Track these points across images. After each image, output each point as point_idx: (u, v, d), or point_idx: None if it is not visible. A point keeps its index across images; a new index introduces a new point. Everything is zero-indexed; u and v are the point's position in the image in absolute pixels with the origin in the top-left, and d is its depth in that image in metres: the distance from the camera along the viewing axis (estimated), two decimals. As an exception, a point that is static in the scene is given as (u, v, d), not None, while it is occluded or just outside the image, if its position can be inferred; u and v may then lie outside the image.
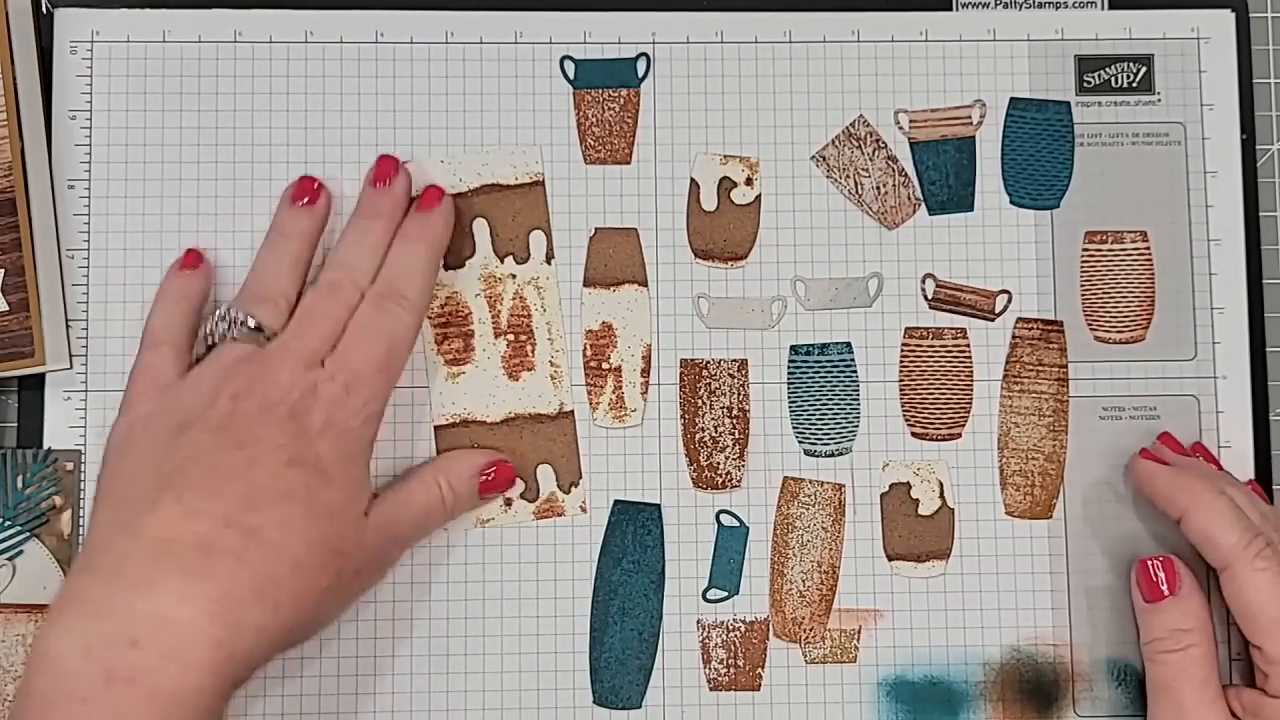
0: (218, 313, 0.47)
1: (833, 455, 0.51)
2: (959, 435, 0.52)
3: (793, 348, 0.52)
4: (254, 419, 0.43)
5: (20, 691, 0.39)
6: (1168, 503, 0.48)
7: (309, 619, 0.44)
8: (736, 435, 0.51)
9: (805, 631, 0.50)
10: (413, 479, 0.48)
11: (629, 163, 0.52)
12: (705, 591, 0.51)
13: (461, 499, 0.49)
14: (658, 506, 0.51)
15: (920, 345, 0.52)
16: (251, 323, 0.46)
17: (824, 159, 0.52)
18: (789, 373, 0.51)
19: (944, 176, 0.53)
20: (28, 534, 0.49)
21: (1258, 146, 0.53)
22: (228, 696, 0.41)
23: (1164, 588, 0.47)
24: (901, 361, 0.52)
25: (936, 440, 0.51)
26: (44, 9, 0.51)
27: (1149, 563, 0.48)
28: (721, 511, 0.51)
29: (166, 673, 0.39)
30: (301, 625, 0.43)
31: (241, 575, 0.41)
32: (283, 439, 0.43)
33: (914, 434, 0.51)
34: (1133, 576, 0.49)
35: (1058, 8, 0.53)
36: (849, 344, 0.52)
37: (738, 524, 0.51)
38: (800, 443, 0.51)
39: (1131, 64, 0.53)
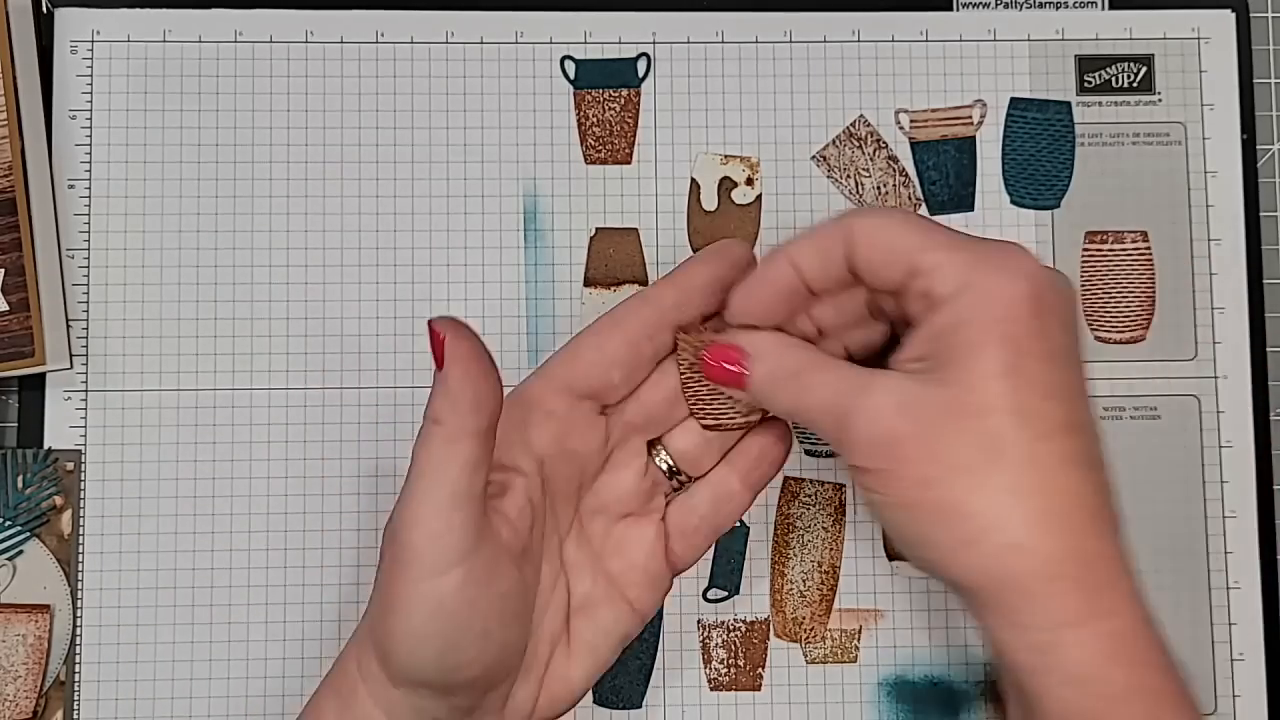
0: None
1: (833, 455, 0.51)
2: (959, 435, 0.51)
3: (793, 348, 0.51)
4: None
5: None
6: (833, 239, 0.39)
7: None
8: (737, 435, 0.51)
9: (806, 631, 0.50)
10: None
11: (629, 163, 0.52)
12: (705, 591, 0.51)
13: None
14: (658, 506, 0.51)
15: (920, 345, 0.52)
16: None
17: (824, 159, 0.52)
18: (789, 373, 0.51)
19: (944, 176, 0.53)
20: (28, 534, 0.49)
21: (1258, 146, 0.53)
22: None
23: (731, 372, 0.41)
24: (902, 361, 0.52)
25: (937, 440, 0.51)
26: (44, 9, 0.51)
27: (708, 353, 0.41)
28: (722, 511, 0.51)
29: None
30: None
31: None
32: None
33: (914, 434, 0.51)
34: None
35: (1058, 8, 0.53)
36: (849, 344, 0.52)
37: (738, 524, 0.51)
38: (800, 442, 0.51)
39: (1132, 64, 0.53)
